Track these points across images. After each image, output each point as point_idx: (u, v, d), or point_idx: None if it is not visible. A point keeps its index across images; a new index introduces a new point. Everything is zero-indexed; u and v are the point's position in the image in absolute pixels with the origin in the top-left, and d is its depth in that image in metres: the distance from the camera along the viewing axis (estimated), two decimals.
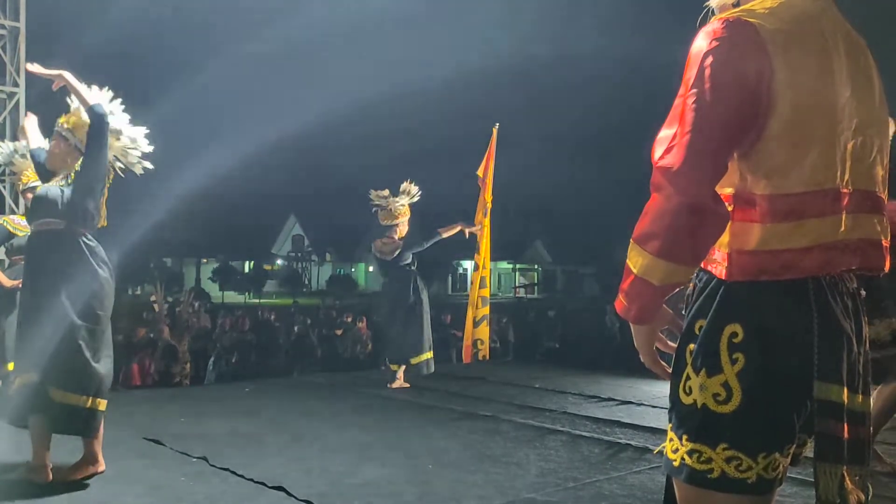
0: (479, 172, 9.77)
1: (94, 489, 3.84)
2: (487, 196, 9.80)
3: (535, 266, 55.48)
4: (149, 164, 4.24)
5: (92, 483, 3.91)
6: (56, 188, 3.94)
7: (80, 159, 3.98)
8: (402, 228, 7.75)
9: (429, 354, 7.63)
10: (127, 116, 4.14)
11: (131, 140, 4.15)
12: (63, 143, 4.06)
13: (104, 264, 3.98)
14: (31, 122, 4.48)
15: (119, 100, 4.09)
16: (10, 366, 4.60)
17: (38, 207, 3.99)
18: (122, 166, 4.19)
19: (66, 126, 4.07)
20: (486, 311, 9.93)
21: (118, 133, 4.09)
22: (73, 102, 4.10)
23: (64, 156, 4.06)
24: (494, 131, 9.87)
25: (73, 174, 3.98)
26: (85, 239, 3.92)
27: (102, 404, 3.95)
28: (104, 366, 3.99)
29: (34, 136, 4.41)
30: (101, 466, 4.00)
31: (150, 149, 4.21)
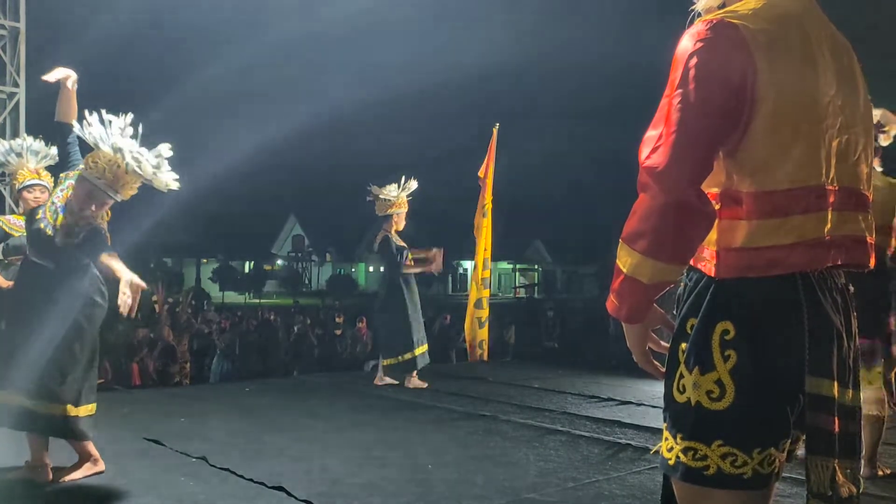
0: (480, 173, 9.79)
1: (94, 489, 3.84)
2: (488, 196, 9.81)
3: (535, 266, 55.47)
4: (174, 185, 3.99)
5: (92, 483, 3.91)
6: (58, 238, 3.86)
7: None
8: (398, 221, 7.64)
9: (423, 348, 7.58)
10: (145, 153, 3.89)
11: (155, 167, 4.02)
12: (93, 191, 3.83)
13: (97, 283, 3.96)
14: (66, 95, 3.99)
15: (128, 121, 3.86)
16: None
17: (38, 243, 3.96)
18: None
19: (96, 175, 3.80)
20: (486, 312, 9.98)
21: (138, 162, 3.91)
22: (107, 147, 3.84)
23: (100, 205, 3.85)
24: (494, 131, 9.88)
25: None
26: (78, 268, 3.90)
27: (89, 409, 3.93)
28: (88, 374, 3.97)
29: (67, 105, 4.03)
30: (101, 466, 4.01)
31: (175, 182, 3.99)
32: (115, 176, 3.79)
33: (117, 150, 3.78)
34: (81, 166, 3.90)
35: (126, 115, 3.88)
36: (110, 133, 3.80)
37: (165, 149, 3.88)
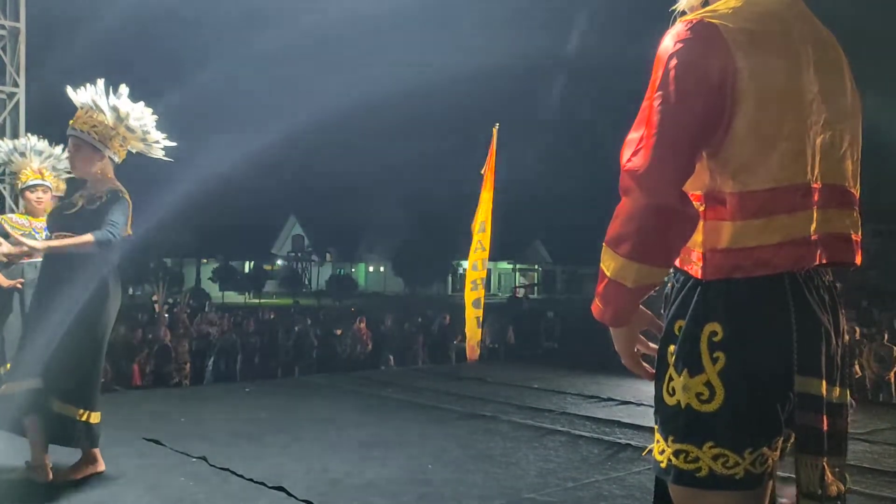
0: (483, 172, 9.80)
1: (94, 489, 3.84)
2: (489, 195, 9.82)
3: (535, 266, 55.47)
4: (169, 143, 4.20)
5: (92, 483, 3.91)
6: (84, 208, 3.88)
7: (104, 161, 3.98)
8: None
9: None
10: (137, 108, 4.10)
11: (143, 132, 4.11)
12: (81, 145, 3.98)
13: (115, 276, 3.97)
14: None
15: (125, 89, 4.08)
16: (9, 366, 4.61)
17: (60, 219, 3.97)
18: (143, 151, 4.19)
19: (78, 128, 3.98)
20: (481, 312, 10.02)
21: (131, 128, 4.07)
22: (79, 101, 4.07)
23: (87, 160, 3.97)
24: (494, 131, 9.89)
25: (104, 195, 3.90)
26: (102, 253, 3.88)
27: (97, 417, 3.93)
28: (99, 379, 4.01)
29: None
30: (101, 466, 4.00)
31: (162, 137, 4.20)
32: (95, 124, 3.97)
33: (96, 104, 3.97)
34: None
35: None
36: (94, 93, 4.01)
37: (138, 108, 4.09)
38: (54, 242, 3.82)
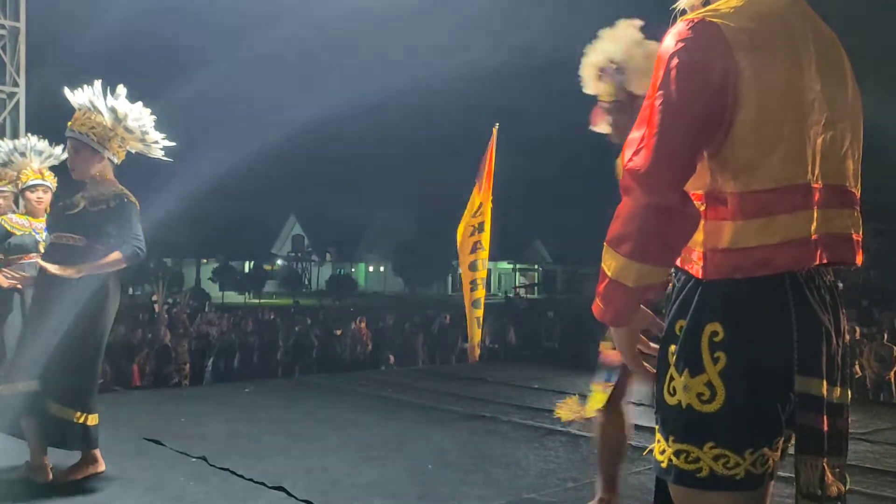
0: (485, 175, 9.78)
1: (94, 489, 3.84)
2: (487, 195, 9.80)
3: (535, 266, 55.48)
4: (168, 143, 4.18)
5: (92, 483, 3.90)
6: (86, 209, 3.86)
7: (103, 162, 3.97)
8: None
9: None
10: (136, 109, 4.08)
11: (142, 133, 4.10)
12: (80, 147, 3.97)
13: (115, 278, 3.96)
14: None
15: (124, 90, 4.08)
16: None
17: (61, 220, 3.96)
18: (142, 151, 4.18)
19: (76, 130, 3.96)
20: (482, 312, 10.01)
21: (129, 129, 4.05)
22: (77, 103, 4.06)
23: (86, 161, 3.97)
24: (494, 131, 9.87)
25: (110, 201, 3.88)
26: (101, 253, 3.87)
27: (94, 419, 3.91)
28: (97, 380, 4.01)
29: None
30: (101, 466, 4.00)
31: (161, 137, 4.18)
32: (94, 126, 3.95)
33: (93, 105, 3.95)
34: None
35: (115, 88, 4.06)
36: (91, 94, 3.99)
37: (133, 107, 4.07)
38: (86, 267, 3.79)
